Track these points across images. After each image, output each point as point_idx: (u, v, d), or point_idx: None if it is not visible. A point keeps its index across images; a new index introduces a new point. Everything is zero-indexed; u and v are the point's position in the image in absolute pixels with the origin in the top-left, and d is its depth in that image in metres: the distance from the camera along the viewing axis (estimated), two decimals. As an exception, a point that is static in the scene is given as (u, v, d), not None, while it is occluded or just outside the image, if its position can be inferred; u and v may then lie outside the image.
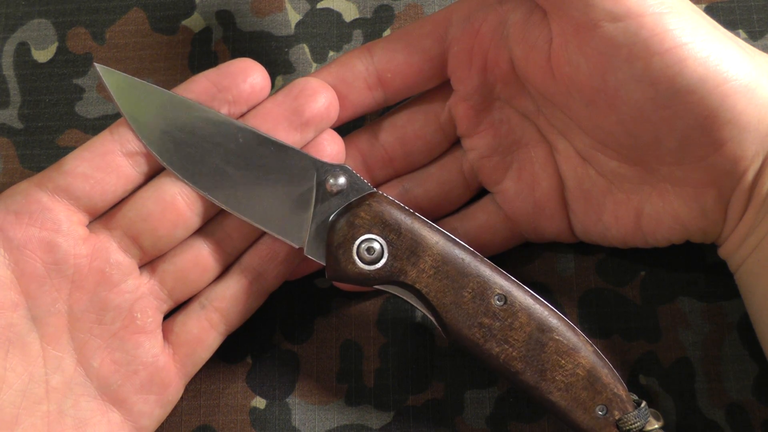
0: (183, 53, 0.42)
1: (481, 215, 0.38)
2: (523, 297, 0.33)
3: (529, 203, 0.37)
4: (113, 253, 0.34)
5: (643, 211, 0.35)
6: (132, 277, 0.34)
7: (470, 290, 0.33)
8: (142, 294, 0.34)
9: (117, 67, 0.37)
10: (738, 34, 0.40)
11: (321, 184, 0.34)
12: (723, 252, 0.35)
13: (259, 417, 0.38)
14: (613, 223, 0.36)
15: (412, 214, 0.33)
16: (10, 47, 0.43)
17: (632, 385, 0.37)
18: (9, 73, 0.42)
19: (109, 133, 0.34)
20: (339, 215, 0.33)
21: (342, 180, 0.34)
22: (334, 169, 0.34)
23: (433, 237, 0.33)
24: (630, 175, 0.35)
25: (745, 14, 0.40)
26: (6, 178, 0.41)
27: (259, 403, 0.38)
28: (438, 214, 0.38)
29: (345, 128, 0.38)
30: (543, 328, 0.32)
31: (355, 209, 0.33)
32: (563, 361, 0.32)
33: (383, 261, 0.33)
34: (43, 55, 0.43)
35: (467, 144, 0.38)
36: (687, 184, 0.33)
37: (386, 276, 0.33)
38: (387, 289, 0.34)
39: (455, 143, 0.38)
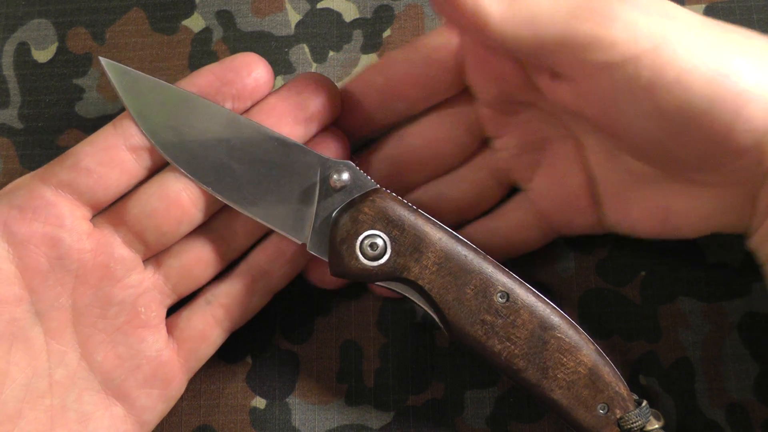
0: (183, 53, 0.42)
1: (514, 214, 0.37)
2: (526, 294, 0.33)
3: (561, 199, 0.36)
4: (117, 248, 0.34)
5: (671, 208, 0.34)
6: (136, 271, 0.34)
7: (473, 287, 0.33)
8: (146, 288, 0.34)
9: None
10: (738, 35, 0.40)
11: (325, 180, 0.34)
12: (752, 244, 0.34)
13: (259, 417, 0.38)
14: (642, 217, 0.35)
15: (416, 210, 0.33)
16: (10, 47, 0.43)
17: (632, 385, 0.37)
18: (9, 73, 0.42)
19: (113, 127, 0.34)
20: (342, 211, 0.33)
21: (345, 176, 0.33)
22: (338, 165, 0.34)
23: (436, 233, 0.33)
24: (655, 175, 0.34)
25: (745, 14, 0.40)
26: (6, 178, 0.41)
27: (259, 403, 0.38)
28: (473, 214, 0.38)
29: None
30: (545, 326, 0.32)
31: (358, 205, 0.33)
32: (565, 359, 0.32)
33: (386, 257, 0.33)
34: (43, 55, 0.43)
35: (496, 144, 0.37)
36: (712, 185, 0.33)
37: (389, 272, 0.33)
38: (388, 287, 0.34)
39: (485, 143, 0.38)
